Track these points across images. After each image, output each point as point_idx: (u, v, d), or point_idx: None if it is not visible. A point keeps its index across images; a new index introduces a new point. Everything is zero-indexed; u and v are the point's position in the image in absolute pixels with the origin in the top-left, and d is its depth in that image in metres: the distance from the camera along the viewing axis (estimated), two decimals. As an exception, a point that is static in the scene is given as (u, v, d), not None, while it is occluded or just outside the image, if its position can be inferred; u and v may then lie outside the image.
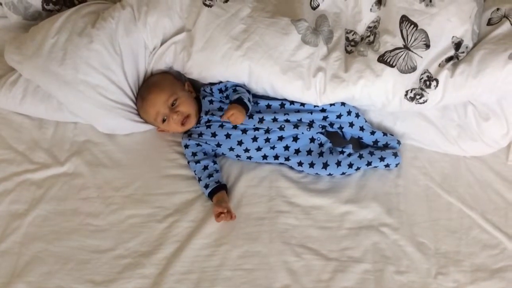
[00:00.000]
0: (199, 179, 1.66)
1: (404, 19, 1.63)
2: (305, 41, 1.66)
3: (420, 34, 1.62)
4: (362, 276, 1.45)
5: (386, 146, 1.73)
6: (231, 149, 1.71)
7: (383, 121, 1.78)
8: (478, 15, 1.66)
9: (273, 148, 1.68)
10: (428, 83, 1.61)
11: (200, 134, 1.73)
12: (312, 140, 1.69)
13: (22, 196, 1.63)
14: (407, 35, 1.62)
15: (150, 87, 1.75)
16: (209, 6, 1.71)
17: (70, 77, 1.69)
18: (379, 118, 1.78)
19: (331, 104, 1.70)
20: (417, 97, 1.62)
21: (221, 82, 1.74)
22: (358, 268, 1.47)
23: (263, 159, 1.70)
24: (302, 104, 1.72)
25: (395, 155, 1.68)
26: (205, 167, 1.68)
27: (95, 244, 1.53)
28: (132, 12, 1.76)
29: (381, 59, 1.62)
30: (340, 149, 1.68)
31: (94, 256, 1.51)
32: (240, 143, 1.69)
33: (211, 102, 1.75)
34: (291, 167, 1.72)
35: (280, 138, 1.68)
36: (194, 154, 1.71)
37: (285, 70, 1.65)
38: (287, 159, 1.68)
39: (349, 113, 1.72)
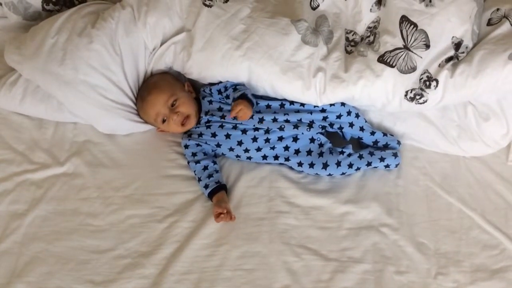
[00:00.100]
0: (199, 179, 1.66)
1: (404, 19, 1.63)
2: (305, 41, 1.66)
3: (420, 34, 1.61)
4: (362, 276, 1.45)
5: (386, 147, 1.73)
6: (231, 149, 1.71)
7: (383, 121, 1.78)
8: (478, 15, 1.65)
9: (273, 148, 1.68)
10: (428, 83, 1.61)
11: (200, 134, 1.73)
12: (312, 140, 1.69)
13: (22, 196, 1.63)
14: (407, 35, 1.62)
15: (150, 88, 1.75)
16: (209, 6, 1.71)
17: (70, 77, 1.69)
18: (379, 119, 1.78)
19: (331, 104, 1.70)
20: (417, 97, 1.62)
21: (220, 82, 1.74)
22: (358, 269, 1.47)
23: (263, 160, 1.70)
24: (302, 104, 1.72)
25: (395, 155, 1.68)
26: (205, 167, 1.68)
27: (95, 244, 1.53)
28: (132, 12, 1.76)
29: (381, 59, 1.62)
30: (340, 150, 1.68)
31: (94, 256, 1.51)
32: (240, 143, 1.69)
33: (210, 102, 1.75)
34: (291, 168, 1.71)
35: (280, 139, 1.68)
36: (194, 154, 1.71)
37: (285, 70, 1.65)
38: (287, 159, 1.68)
39: (349, 113, 1.72)
